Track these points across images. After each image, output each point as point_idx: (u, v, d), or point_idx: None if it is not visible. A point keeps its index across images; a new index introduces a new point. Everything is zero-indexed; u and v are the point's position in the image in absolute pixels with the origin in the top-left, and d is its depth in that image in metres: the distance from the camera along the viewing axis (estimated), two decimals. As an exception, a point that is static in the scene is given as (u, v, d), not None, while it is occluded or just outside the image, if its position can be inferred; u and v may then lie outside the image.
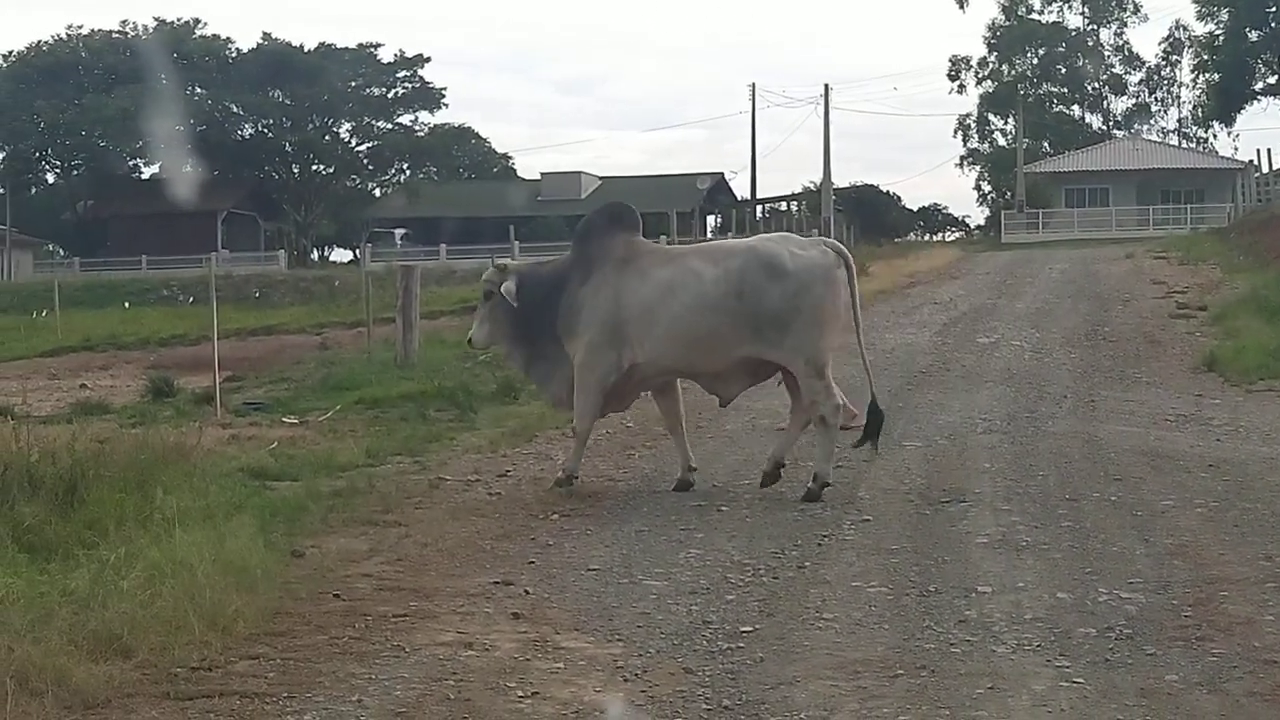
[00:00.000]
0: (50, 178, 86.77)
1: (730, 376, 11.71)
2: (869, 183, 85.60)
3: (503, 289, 11.91)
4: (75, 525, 9.03)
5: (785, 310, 11.17)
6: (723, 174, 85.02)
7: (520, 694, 6.59)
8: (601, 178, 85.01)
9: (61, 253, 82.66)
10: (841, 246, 11.80)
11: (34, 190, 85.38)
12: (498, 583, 8.64)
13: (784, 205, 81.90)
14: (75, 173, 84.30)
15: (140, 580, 7.76)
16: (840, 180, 79.22)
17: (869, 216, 78.11)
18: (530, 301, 11.85)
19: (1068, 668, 6.90)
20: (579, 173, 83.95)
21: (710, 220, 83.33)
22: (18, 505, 9.11)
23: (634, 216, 12.16)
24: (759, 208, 77.53)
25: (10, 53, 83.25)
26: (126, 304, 51.55)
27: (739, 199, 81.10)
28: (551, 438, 14.41)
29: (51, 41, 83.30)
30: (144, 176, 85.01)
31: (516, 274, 12.12)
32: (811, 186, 79.22)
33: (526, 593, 8.44)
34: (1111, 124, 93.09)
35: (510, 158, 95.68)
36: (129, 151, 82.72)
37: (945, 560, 9.10)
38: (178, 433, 13.24)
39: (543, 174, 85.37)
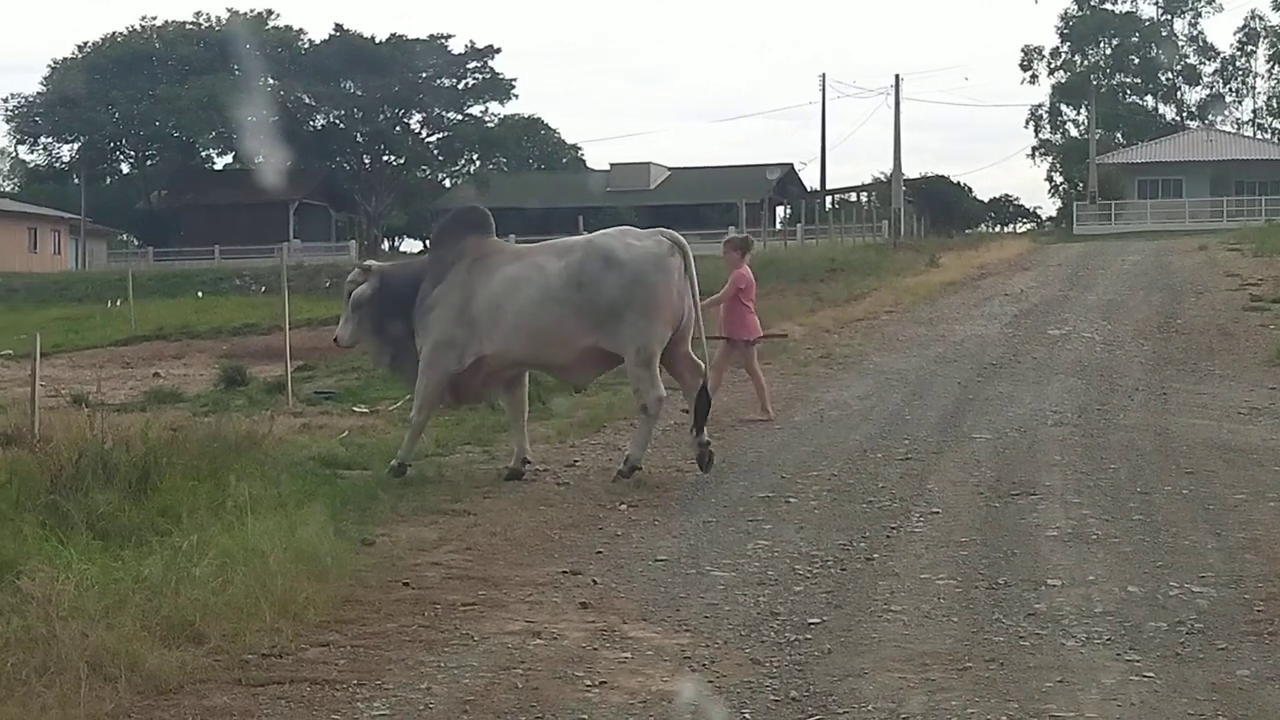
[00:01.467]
0: (125, 168, 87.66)
1: (577, 366, 12.10)
2: (940, 173, 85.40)
3: (354, 293, 12.40)
4: (149, 512, 9.11)
5: (620, 300, 11.51)
6: (792, 165, 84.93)
7: (588, 683, 6.60)
8: (670, 168, 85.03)
9: (135, 242, 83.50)
10: (678, 237, 11.98)
11: (109, 180, 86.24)
12: (566, 572, 8.67)
13: (854, 196, 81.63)
14: (149, 163, 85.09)
15: (212, 567, 7.82)
16: (911, 171, 78.94)
17: (940, 207, 77.83)
18: (391, 301, 12.29)
19: (1138, 661, 6.85)
20: (648, 163, 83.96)
21: (780, 211, 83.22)
22: (92, 492, 9.20)
23: (485, 218, 12.62)
24: (828, 198, 77.33)
25: (86, 44, 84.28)
26: (199, 293, 51.92)
27: (808, 190, 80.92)
28: (620, 428, 14.43)
29: (126, 33, 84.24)
30: (217, 167, 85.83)
31: (379, 274, 12.54)
32: (882, 177, 78.97)
33: (594, 582, 8.46)
34: (1185, 115, 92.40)
35: (579, 148, 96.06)
36: (202, 142, 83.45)
37: (1015, 553, 9.05)
38: (250, 421, 13.35)
39: (612, 165, 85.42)
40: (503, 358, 11.94)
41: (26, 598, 7.10)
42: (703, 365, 12.15)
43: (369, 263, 13.10)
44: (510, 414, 12.54)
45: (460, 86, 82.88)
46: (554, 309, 11.64)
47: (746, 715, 6.19)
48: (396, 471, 11.79)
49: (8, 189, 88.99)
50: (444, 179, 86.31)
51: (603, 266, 11.57)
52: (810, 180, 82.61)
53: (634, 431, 12.10)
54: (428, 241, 12.92)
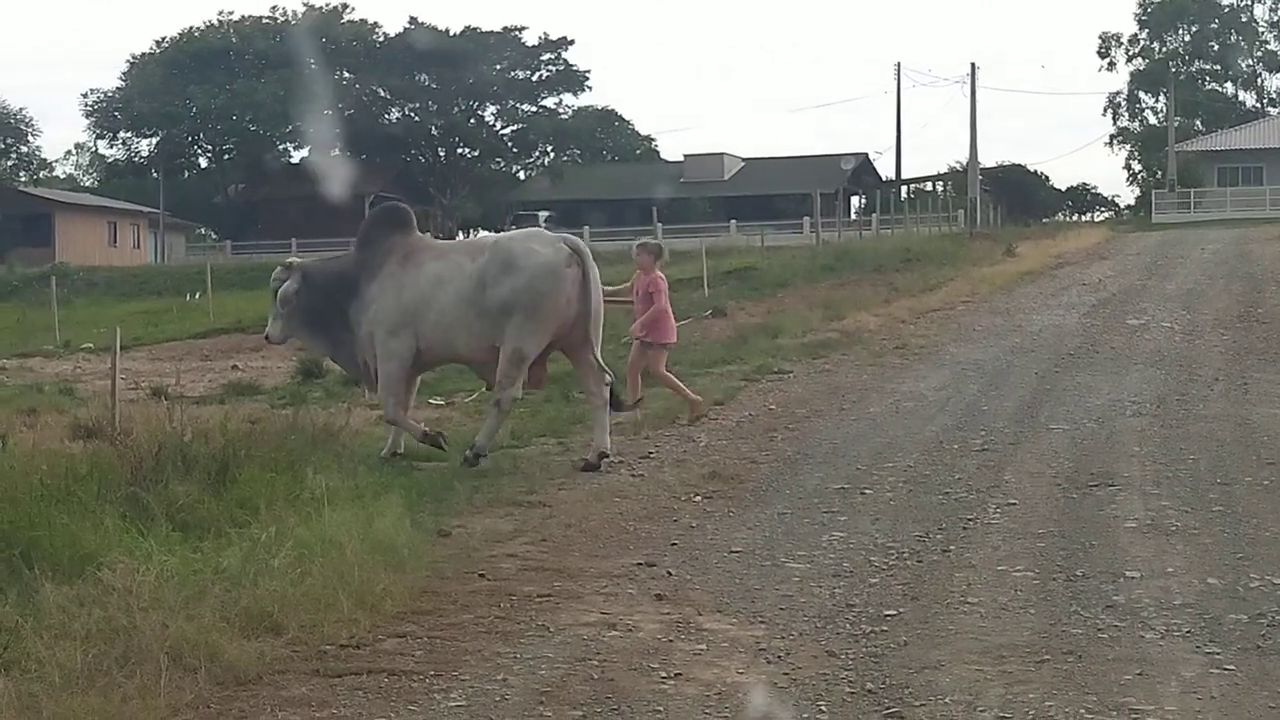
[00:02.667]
0: (203, 162, 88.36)
1: (490, 363, 12.29)
2: (1016, 162, 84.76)
3: (280, 291, 12.83)
4: (227, 504, 9.17)
5: (510, 301, 11.88)
6: (867, 154, 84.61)
7: (663, 675, 6.61)
8: (744, 159, 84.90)
9: (213, 236, 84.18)
10: (580, 245, 12.30)
11: (187, 174, 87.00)
12: (641, 564, 8.68)
13: (929, 186, 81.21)
14: (226, 157, 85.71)
15: (290, 559, 7.88)
16: (987, 160, 78.54)
17: (1016, 196, 77.37)
18: (320, 295, 12.72)
19: (1218, 654, 6.79)
20: (722, 154, 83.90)
21: (854, 201, 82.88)
22: (172, 484, 9.26)
23: (408, 215, 12.96)
24: (904, 188, 76.96)
25: (163, 39, 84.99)
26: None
27: (884, 179, 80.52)
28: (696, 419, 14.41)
29: (203, 28, 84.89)
30: (293, 160, 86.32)
31: (300, 270, 12.97)
32: (957, 166, 78.50)
33: (669, 574, 8.47)
34: (1265, 101, 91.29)
35: (653, 140, 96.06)
36: (279, 136, 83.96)
37: (1093, 545, 8.99)
38: (326, 414, 13.42)
39: (686, 156, 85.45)
40: (431, 351, 12.44)
41: (108, 589, 7.18)
42: (608, 373, 12.40)
43: (290, 260, 13.57)
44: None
45: (534, 79, 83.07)
46: (465, 308, 12.08)
47: (822, 707, 6.18)
48: (471, 463, 11.86)
49: (88, 184, 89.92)
50: (518, 171, 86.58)
51: (501, 269, 11.95)
52: (886, 170, 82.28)
53: (484, 421, 12.50)
54: (356, 238, 13.29)
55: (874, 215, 63.41)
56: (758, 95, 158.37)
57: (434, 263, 12.32)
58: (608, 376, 12.34)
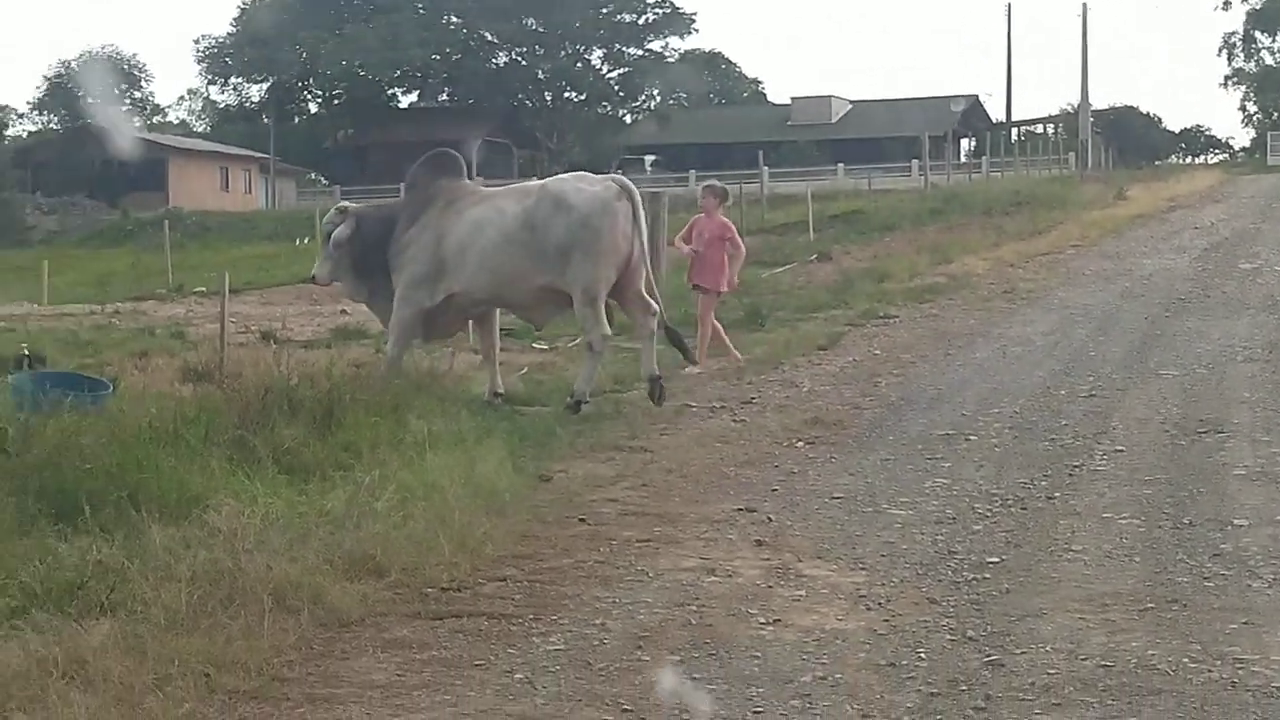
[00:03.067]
0: (312, 107, 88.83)
1: (535, 305, 12.58)
2: (1129, 104, 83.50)
3: (333, 234, 12.96)
4: (332, 448, 9.26)
5: (567, 241, 11.97)
6: (977, 96, 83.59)
7: (761, 620, 6.60)
8: (852, 101, 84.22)
9: (323, 181, 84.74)
10: (628, 182, 12.50)
11: (296, 120, 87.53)
12: (741, 509, 8.67)
13: (1040, 128, 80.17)
14: (336, 102, 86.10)
15: (393, 502, 7.96)
16: (1098, 102, 77.30)
17: (1128, 139, 76.35)
18: (367, 241, 12.83)
19: (1327, 604, 6.68)
20: (829, 96, 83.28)
21: (964, 144, 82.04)
22: (278, 428, 9.37)
23: (457, 162, 13.17)
24: (1014, 131, 76.05)
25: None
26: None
27: (994, 122, 79.61)
28: (798, 364, 14.38)
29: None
30: (402, 105, 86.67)
31: (354, 216, 13.10)
32: (1069, 109, 77.57)
33: (770, 520, 8.45)
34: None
35: (760, 82, 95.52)
36: (387, 81, 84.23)
37: (1200, 492, 8.87)
38: (431, 359, 13.52)
39: (793, 98, 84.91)
40: (469, 295, 12.47)
41: (213, 531, 7.28)
42: (655, 305, 12.47)
43: (344, 204, 13.66)
44: (482, 349, 13.18)
45: (641, 21, 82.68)
46: (510, 250, 12.17)
47: (921, 654, 6.14)
48: (573, 409, 11.90)
49: (200, 129, 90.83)
50: (624, 115, 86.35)
51: (553, 210, 12.05)
52: (996, 112, 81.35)
53: (581, 367, 12.53)
54: (404, 183, 13.45)
55: (983, 158, 62.75)
56: (867, 36, 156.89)
57: (474, 208, 12.45)
58: (655, 307, 12.42)
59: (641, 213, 12.21)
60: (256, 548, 7.04)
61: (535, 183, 13.19)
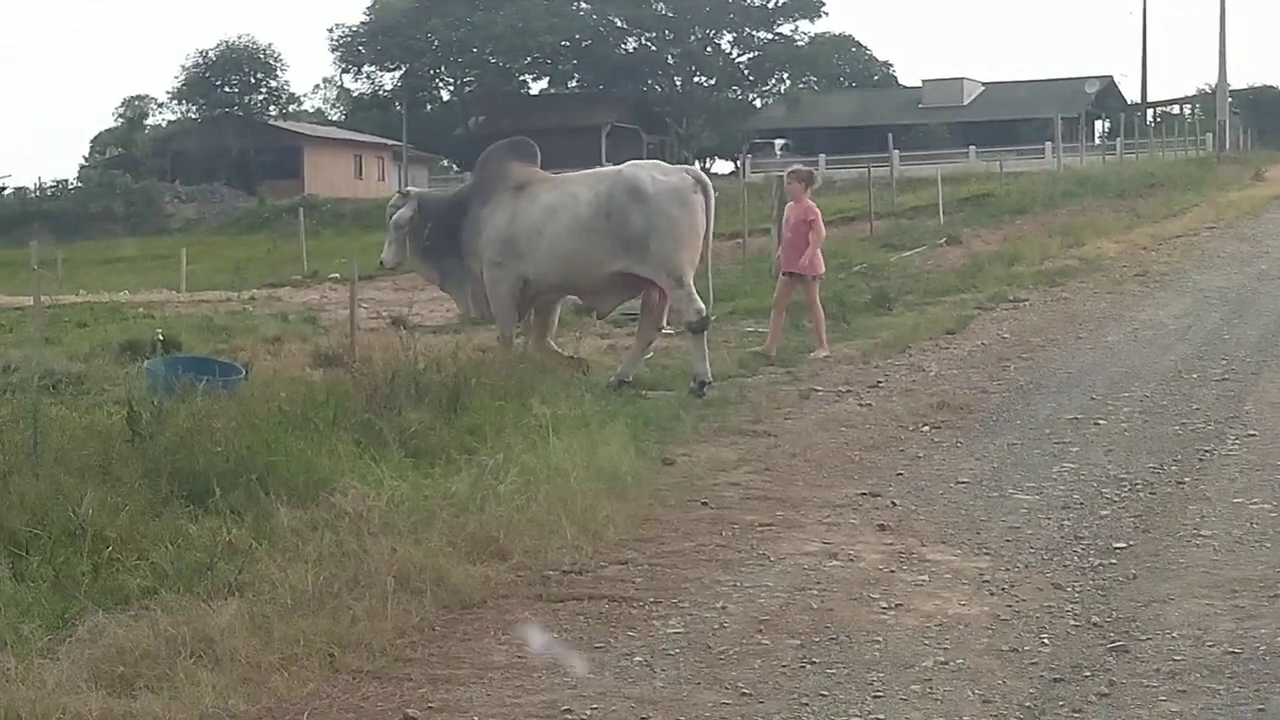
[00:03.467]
0: (444, 95, 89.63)
1: (605, 291, 12.69)
2: (1268, 84, 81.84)
3: (395, 217, 13.07)
4: (457, 431, 9.35)
5: (645, 229, 12.07)
6: (1111, 77, 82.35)
7: (883, 605, 6.57)
8: (984, 83, 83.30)
9: (455, 168, 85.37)
10: (702, 174, 12.73)
11: (429, 107, 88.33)
12: (865, 494, 8.63)
13: (1176, 109, 78.82)
14: (467, 90, 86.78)
15: (516, 485, 8.01)
16: (1237, 82, 75.91)
17: (1268, 119, 74.78)
18: (434, 224, 12.94)
19: None
20: (961, 79, 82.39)
21: (1098, 125, 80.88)
22: (405, 412, 9.47)
23: (531, 148, 13.24)
24: (1149, 112, 74.82)
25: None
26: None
27: (1128, 103, 78.39)
28: (925, 349, 14.28)
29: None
30: (532, 92, 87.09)
31: (416, 199, 13.29)
32: (1206, 89, 76.11)
33: (893, 504, 8.40)
34: None
35: (891, 65, 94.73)
36: (518, 68, 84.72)
37: (1335, 478, 8.70)
38: (556, 342, 13.57)
39: (924, 81, 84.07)
40: (542, 281, 12.56)
41: (339, 514, 7.38)
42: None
43: (408, 188, 13.89)
44: (536, 336, 13.09)
45: (770, 5, 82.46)
46: (583, 236, 12.26)
47: (1045, 640, 6.08)
48: (697, 393, 11.90)
49: (334, 117, 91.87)
50: (754, 99, 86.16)
51: (629, 198, 12.14)
52: (1130, 93, 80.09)
53: (691, 351, 12.43)
54: (475, 167, 13.55)
55: (1118, 140, 61.80)
56: (999, 17, 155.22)
57: (548, 194, 12.53)
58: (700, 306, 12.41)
59: (713, 207, 12.36)
60: (381, 530, 7.14)
61: (608, 169, 13.31)
